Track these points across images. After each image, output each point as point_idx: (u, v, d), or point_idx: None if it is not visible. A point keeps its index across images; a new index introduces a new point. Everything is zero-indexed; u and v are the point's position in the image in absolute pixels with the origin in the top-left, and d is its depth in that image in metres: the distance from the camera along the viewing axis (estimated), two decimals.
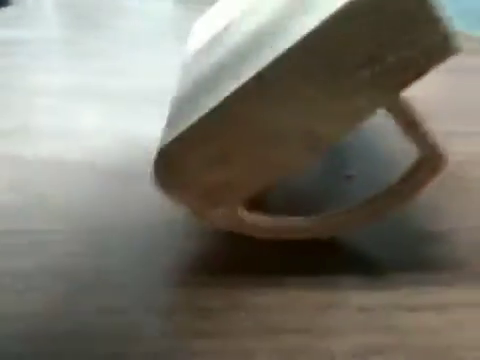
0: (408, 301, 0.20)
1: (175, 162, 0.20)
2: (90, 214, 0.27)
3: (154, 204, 0.27)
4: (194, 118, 0.20)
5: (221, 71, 0.22)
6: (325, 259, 0.23)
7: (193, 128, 0.20)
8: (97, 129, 0.37)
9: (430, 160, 0.21)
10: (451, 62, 0.47)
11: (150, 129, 0.37)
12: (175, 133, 0.20)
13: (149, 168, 0.31)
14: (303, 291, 0.21)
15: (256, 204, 0.22)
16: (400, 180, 0.21)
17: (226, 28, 0.28)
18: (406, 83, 0.18)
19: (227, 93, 0.19)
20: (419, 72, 0.18)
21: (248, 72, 0.19)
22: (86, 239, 0.25)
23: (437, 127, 0.33)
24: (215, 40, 0.29)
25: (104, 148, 0.34)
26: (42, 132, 0.37)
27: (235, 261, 0.23)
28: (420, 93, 0.41)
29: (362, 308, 0.20)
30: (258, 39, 0.22)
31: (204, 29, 0.34)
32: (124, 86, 0.46)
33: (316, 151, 0.20)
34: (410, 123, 0.20)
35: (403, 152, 0.30)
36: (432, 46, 0.18)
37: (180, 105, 0.24)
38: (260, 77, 0.19)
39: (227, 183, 0.21)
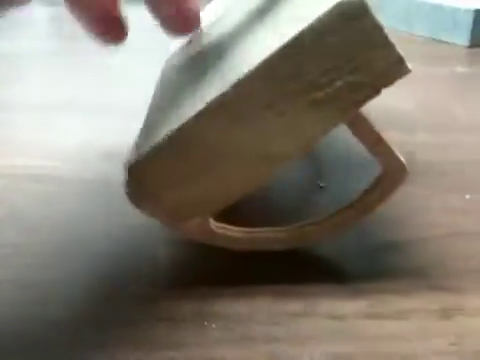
0: (374, 309, 0.21)
1: (142, 179, 0.21)
2: (69, 230, 0.26)
3: (136, 220, 0.27)
4: (159, 137, 0.21)
5: (184, 89, 0.23)
6: (293, 268, 0.24)
7: (157, 149, 0.20)
8: (80, 144, 0.37)
9: (391, 173, 0.22)
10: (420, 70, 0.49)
11: (124, 144, 0.36)
12: (141, 151, 0.21)
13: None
14: (272, 300, 0.21)
15: (228, 216, 0.23)
16: (363, 193, 0.23)
17: (192, 42, 0.29)
18: (359, 104, 0.20)
19: (189, 114, 0.20)
20: (370, 95, 0.19)
21: (209, 93, 0.20)
22: (59, 254, 0.25)
23: (408, 137, 0.34)
24: (182, 53, 0.29)
25: (86, 163, 0.34)
26: (21, 147, 0.36)
27: (204, 271, 0.23)
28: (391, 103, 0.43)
29: (331, 316, 0.20)
30: (218, 57, 0.23)
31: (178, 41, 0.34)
32: (111, 99, 0.45)
33: (274, 169, 0.21)
34: (369, 137, 0.21)
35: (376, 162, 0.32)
36: (384, 69, 0.19)
37: (149, 119, 0.25)
38: (221, 100, 0.19)
39: (195, 199, 0.21)
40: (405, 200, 0.29)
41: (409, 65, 0.19)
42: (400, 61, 0.19)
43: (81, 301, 0.21)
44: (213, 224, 0.22)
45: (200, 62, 0.24)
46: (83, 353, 0.19)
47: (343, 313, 0.21)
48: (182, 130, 0.20)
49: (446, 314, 0.21)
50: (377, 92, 0.19)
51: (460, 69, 0.54)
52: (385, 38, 0.18)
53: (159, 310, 0.21)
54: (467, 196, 0.29)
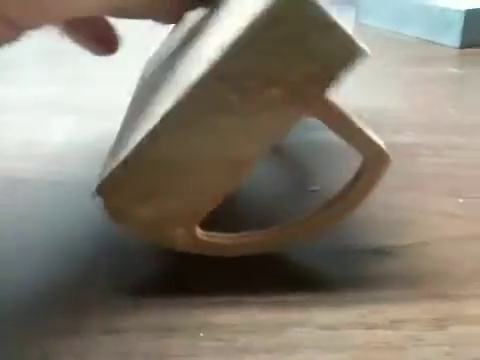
0: (365, 319, 0.20)
1: (112, 199, 0.20)
2: (56, 232, 0.26)
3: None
4: (121, 155, 0.20)
5: (144, 106, 0.23)
6: (285, 277, 0.23)
7: (119, 168, 0.20)
8: (64, 143, 0.36)
9: (373, 162, 0.21)
10: (411, 71, 0.49)
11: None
12: (107, 171, 0.21)
13: None
14: (263, 310, 0.21)
15: (217, 223, 0.22)
16: (346, 186, 0.22)
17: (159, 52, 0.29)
18: (318, 94, 0.19)
19: (145, 131, 0.19)
20: (327, 83, 0.18)
21: (163, 107, 0.19)
22: (45, 258, 0.24)
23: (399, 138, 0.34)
24: (152, 64, 0.29)
25: (71, 164, 0.33)
26: (4, 147, 0.35)
27: (194, 280, 0.23)
28: (382, 104, 0.43)
29: (322, 326, 0.20)
30: (171, 70, 0.23)
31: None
32: (96, 97, 0.45)
33: (242, 171, 0.20)
34: (344, 128, 0.20)
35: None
36: (337, 52, 0.18)
37: (118, 137, 0.24)
38: (176, 109, 0.19)
39: (172, 212, 0.21)
40: (397, 204, 0.28)
41: (363, 45, 0.18)
42: (351, 43, 0.18)
43: (63, 310, 0.21)
44: (199, 232, 0.22)
45: (157, 77, 0.24)
46: None
47: (334, 323, 0.20)
48: (138, 151, 0.19)
49: (441, 324, 0.20)
50: (333, 79, 0.18)
51: (451, 70, 0.54)
52: (331, 20, 0.17)
53: (147, 319, 0.20)
54: (460, 200, 0.28)
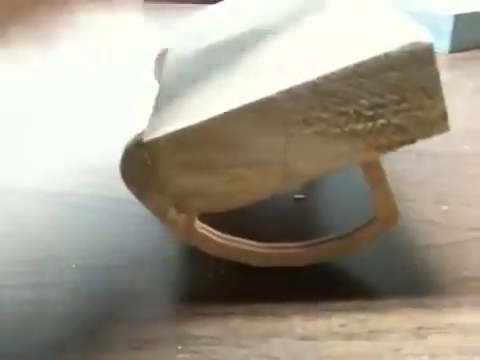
0: (346, 329, 0.20)
1: (154, 157, 0.20)
2: (34, 244, 0.26)
3: (102, 233, 0.26)
4: (179, 120, 0.20)
5: (206, 77, 0.22)
6: (269, 287, 0.23)
7: (179, 133, 0.19)
8: (47, 154, 0.36)
9: (384, 218, 0.22)
10: None
11: (99, 155, 0.36)
12: (162, 130, 0.20)
13: (98, 195, 0.30)
14: (245, 320, 0.21)
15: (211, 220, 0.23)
16: (355, 230, 0.22)
17: (216, 33, 0.28)
18: (390, 147, 0.19)
19: (223, 110, 0.19)
20: (405, 141, 0.19)
21: (251, 92, 0.19)
22: (27, 271, 0.24)
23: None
24: (205, 41, 0.28)
25: (53, 176, 0.33)
26: None
27: (178, 292, 0.23)
28: None
29: (302, 337, 0.20)
30: (249, 53, 0.22)
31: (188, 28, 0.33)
32: (82, 108, 0.45)
33: (288, 184, 0.20)
34: (377, 182, 0.21)
35: (350, 174, 0.31)
36: (427, 120, 0.19)
37: (164, 98, 0.23)
38: (261, 105, 0.19)
39: (194, 191, 0.21)
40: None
41: (448, 124, 0.19)
42: (443, 117, 0.19)
43: (54, 323, 0.21)
44: (197, 223, 0.22)
45: (221, 51, 0.23)
46: None
47: (315, 333, 0.20)
48: (209, 122, 0.19)
49: (420, 333, 0.20)
50: (412, 141, 0.19)
51: (441, 74, 0.54)
52: (439, 90, 0.18)
53: (127, 332, 0.20)
54: (444, 207, 0.29)
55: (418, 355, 0.19)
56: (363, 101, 0.19)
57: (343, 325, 0.21)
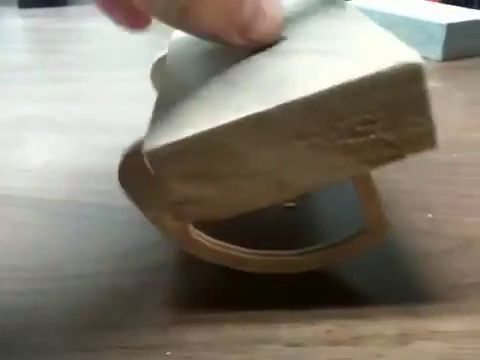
0: (331, 336, 0.21)
1: (154, 166, 0.20)
2: (32, 254, 0.26)
3: (103, 242, 0.27)
4: (185, 132, 0.20)
5: (211, 82, 0.23)
6: (260, 293, 0.24)
7: (184, 142, 0.20)
8: (44, 162, 0.36)
9: (374, 230, 0.23)
10: None
11: (96, 162, 0.36)
12: (163, 139, 0.20)
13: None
14: (234, 326, 0.22)
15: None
16: (343, 240, 0.23)
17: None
18: (380, 162, 0.20)
19: (224, 121, 0.19)
20: (394, 156, 0.20)
21: (250, 105, 0.20)
22: (26, 278, 0.24)
23: None
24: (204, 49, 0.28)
25: (50, 183, 0.33)
26: None
27: (166, 298, 0.23)
28: None
29: (290, 343, 0.21)
30: (254, 63, 0.22)
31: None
32: (79, 115, 0.45)
33: (283, 195, 0.21)
34: (368, 195, 0.22)
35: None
36: (416, 137, 0.19)
37: (166, 101, 0.23)
38: (259, 117, 0.19)
39: (191, 200, 0.21)
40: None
41: (437, 140, 0.19)
42: (431, 134, 0.19)
43: (44, 330, 0.21)
44: (192, 230, 0.23)
45: (230, 58, 0.24)
46: None
47: (302, 340, 0.21)
48: (210, 133, 0.19)
49: (404, 339, 0.21)
50: (401, 156, 0.20)
51: (433, 83, 0.54)
52: (428, 107, 0.19)
53: (116, 338, 0.21)
54: (429, 215, 0.29)
55: None
56: (355, 117, 0.19)
57: (329, 331, 0.21)
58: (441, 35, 0.62)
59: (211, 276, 0.24)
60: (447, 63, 0.62)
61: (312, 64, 0.21)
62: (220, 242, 0.23)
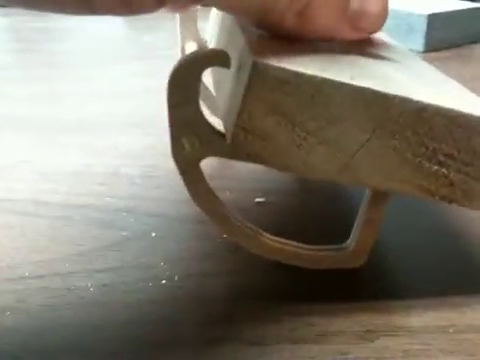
0: (296, 333, 0.21)
1: (255, 79, 0.18)
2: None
3: (77, 249, 0.26)
4: (302, 68, 0.19)
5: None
6: (221, 290, 0.23)
7: (298, 76, 0.18)
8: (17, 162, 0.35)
9: (356, 252, 0.22)
10: None
11: (68, 162, 0.35)
12: (277, 62, 0.19)
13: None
14: (195, 325, 0.21)
15: None
16: (317, 248, 0.22)
17: None
18: (432, 196, 0.20)
19: (337, 78, 0.18)
20: (445, 198, 0.20)
21: (362, 79, 0.19)
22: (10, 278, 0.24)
23: None
24: None
25: (20, 184, 0.33)
26: None
27: (128, 298, 0.23)
28: None
29: (252, 342, 0.20)
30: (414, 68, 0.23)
31: None
32: (54, 115, 0.44)
33: (340, 179, 0.20)
34: (372, 217, 0.21)
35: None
36: (473, 192, 0.20)
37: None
38: (373, 95, 0.18)
39: (260, 133, 0.19)
40: (335, 213, 0.28)
41: None
42: None
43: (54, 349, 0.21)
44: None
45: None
46: None
47: (265, 338, 0.20)
48: (326, 83, 0.18)
49: (369, 336, 0.20)
50: (450, 201, 0.20)
51: None
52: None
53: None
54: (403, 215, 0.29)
55: (364, 358, 0.19)
56: (446, 146, 0.19)
57: (292, 329, 0.21)
58: (422, 26, 0.62)
59: (173, 276, 0.24)
60: (428, 54, 0.61)
61: (432, 81, 0.21)
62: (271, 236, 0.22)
